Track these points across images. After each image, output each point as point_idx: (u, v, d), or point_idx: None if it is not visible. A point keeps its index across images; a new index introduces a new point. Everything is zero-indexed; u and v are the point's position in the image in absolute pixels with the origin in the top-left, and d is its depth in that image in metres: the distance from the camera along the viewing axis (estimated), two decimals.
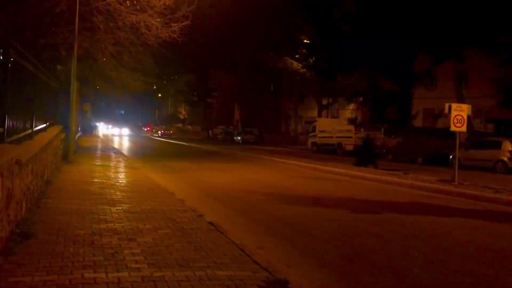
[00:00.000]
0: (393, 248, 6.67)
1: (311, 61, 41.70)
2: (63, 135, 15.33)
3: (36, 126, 8.65)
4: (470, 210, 10.34)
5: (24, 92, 7.04)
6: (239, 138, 49.48)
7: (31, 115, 7.98)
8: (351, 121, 40.64)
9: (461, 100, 25.32)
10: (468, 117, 15.63)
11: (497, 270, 5.80)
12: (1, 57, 5.13)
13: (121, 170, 14.98)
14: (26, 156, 6.26)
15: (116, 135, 62.83)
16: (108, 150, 25.90)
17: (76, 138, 21.60)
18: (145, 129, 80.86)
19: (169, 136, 60.98)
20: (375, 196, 11.92)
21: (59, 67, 17.66)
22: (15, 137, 6.24)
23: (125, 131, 68.27)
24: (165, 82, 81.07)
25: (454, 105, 14.36)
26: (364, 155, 19.81)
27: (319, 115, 42.97)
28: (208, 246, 5.79)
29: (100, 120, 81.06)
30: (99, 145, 30.42)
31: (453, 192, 12.57)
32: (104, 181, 11.66)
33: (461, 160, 18.49)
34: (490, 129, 30.82)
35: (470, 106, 14.67)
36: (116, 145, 33.77)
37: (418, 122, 36.35)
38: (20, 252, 5.03)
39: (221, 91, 66.42)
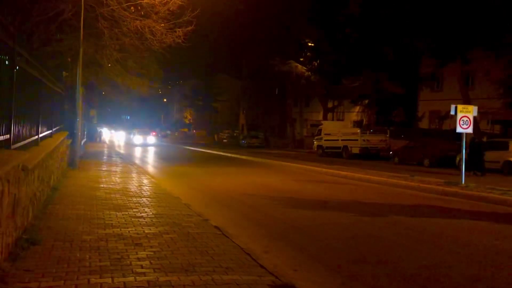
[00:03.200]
0: (400, 251, 6.62)
1: (316, 64, 41.70)
2: (69, 141, 15.40)
3: (42, 132, 8.71)
4: (477, 212, 10.26)
5: (30, 98, 7.09)
6: (245, 142, 49.51)
7: (37, 121, 8.03)
8: (357, 123, 40.52)
9: (467, 102, 25.19)
10: (475, 118, 15.55)
11: (507, 272, 5.73)
12: (6, 63, 5.17)
13: (127, 175, 15.01)
14: (32, 162, 6.29)
15: (138, 144, 46.05)
16: (113, 155, 26.00)
17: (82, 144, 21.69)
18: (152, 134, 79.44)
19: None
20: (381, 199, 11.86)
21: (65, 73, 17.76)
22: (21, 143, 6.28)
23: (151, 139, 49.86)
24: (170, 87, 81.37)
25: (460, 107, 14.30)
26: (474, 159, 18.52)
27: (325, 118, 42.88)
28: (214, 250, 5.78)
29: (117, 127, 77.20)
30: (105, 151, 30.55)
31: (460, 194, 12.49)
32: (110, 186, 11.70)
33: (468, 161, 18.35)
34: (497, 130, 30.63)
35: (476, 107, 14.60)
36: (121, 151, 33.90)
37: (424, 124, 36.21)
38: (26, 258, 5.05)
39: (226, 96, 66.59)
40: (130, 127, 74.83)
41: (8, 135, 5.37)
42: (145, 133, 51.16)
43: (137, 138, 49.57)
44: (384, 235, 7.61)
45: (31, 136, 7.37)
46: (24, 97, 6.41)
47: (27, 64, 6.49)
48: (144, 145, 43.71)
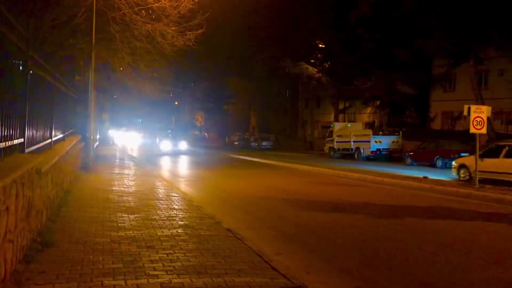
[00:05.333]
0: (413, 253, 6.55)
1: (327, 65, 41.58)
2: (82, 144, 15.54)
3: (55, 136, 8.80)
4: (492, 213, 10.12)
5: (43, 102, 7.17)
6: (256, 144, 49.50)
7: (50, 125, 8.11)
8: (369, 125, 40.26)
9: (480, 102, 24.89)
10: (488, 119, 15.34)
11: None
12: (20, 68, 5.23)
13: (139, 178, 15.09)
14: (46, 165, 6.35)
15: (166, 151, 35.68)
16: (126, 158, 26.16)
17: (94, 147, 21.87)
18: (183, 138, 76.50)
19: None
20: (395, 201, 11.76)
21: (77, 77, 17.96)
22: (34, 147, 6.35)
23: (183, 145, 37.57)
24: (181, 90, 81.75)
25: (473, 107, 14.13)
26: None
27: (336, 120, 42.68)
28: (226, 252, 5.78)
29: (130, 130, 76.56)
30: (118, 154, 30.76)
31: (474, 195, 12.33)
32: (123, 189, 11.77)
33: None
34: (511, 130, 30.24)
35: (490, 108, 14.42)
36: (133, 154, 34.08)
37: (436, 125, 35.88)
38: (41, 260, 5.10)
39: (237, 98, 66.69)
40: (142, 129, 74.24)
41: (22, 139, 5.43)
42: (175, 138, 39.10)
43: (165, 144, 37.75)
44: (398, 237, 7.54)
45: (44, 139, 7.45)
46: (37, 101, 6.48)
47: (40, 68, 6.56)
48: (174, 153, 34.64)
